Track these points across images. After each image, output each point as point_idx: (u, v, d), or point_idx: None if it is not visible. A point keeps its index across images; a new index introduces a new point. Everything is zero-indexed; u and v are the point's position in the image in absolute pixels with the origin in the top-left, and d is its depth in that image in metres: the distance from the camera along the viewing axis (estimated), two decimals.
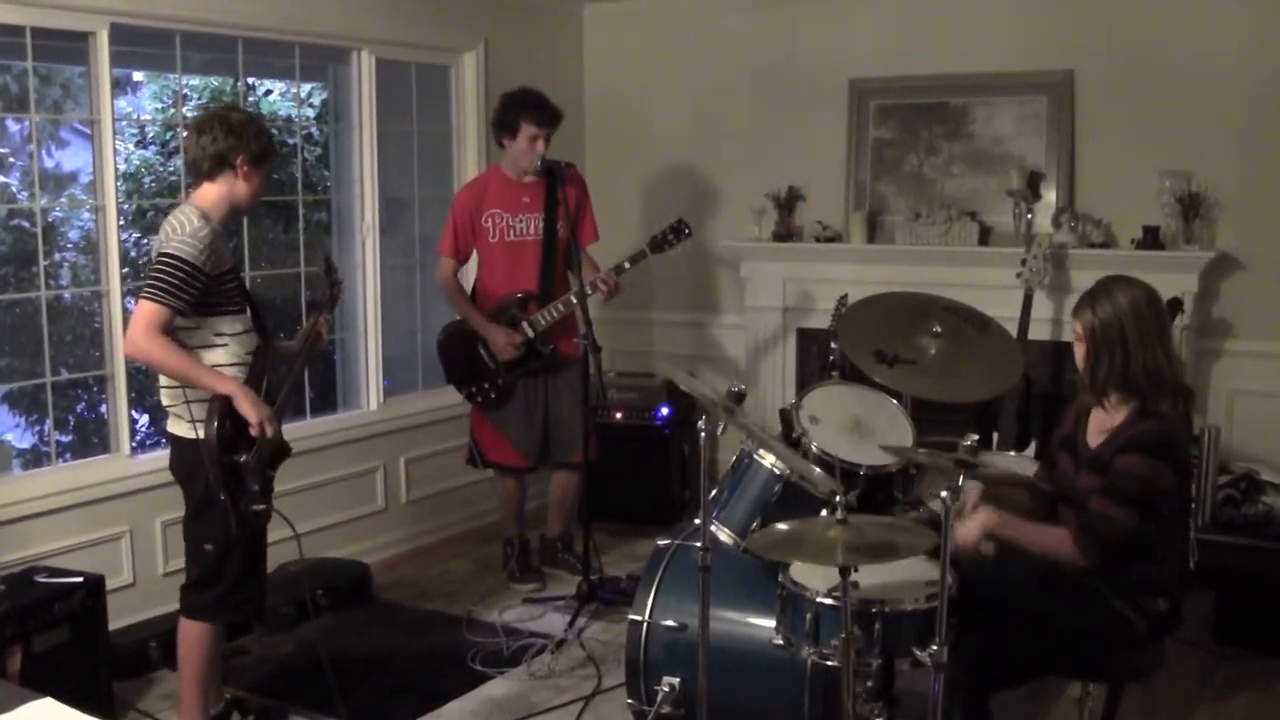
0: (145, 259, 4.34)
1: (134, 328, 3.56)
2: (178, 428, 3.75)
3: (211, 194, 3.74)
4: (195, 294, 3.58)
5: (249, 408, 3.64)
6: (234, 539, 3.75)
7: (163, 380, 3.75)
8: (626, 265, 5.27)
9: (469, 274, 5.56)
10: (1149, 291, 3.32)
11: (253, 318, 3.84)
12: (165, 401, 3.79)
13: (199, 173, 3.76)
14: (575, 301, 5.11)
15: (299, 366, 3.98)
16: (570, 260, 5.24)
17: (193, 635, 3.87)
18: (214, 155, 3.71)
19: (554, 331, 5.33)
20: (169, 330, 3.57)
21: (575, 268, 5.16)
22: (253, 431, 3.65)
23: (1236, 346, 5.61)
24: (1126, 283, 3.33)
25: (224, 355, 3.72)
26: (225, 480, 3.65)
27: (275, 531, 4.27)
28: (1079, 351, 3.37)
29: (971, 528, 3.31)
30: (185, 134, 3.90)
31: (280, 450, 3.84)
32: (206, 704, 3.93)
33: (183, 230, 3.60)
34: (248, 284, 5.47)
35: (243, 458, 3.66)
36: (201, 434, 3.61)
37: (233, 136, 3.70)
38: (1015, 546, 3.31)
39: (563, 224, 5.26)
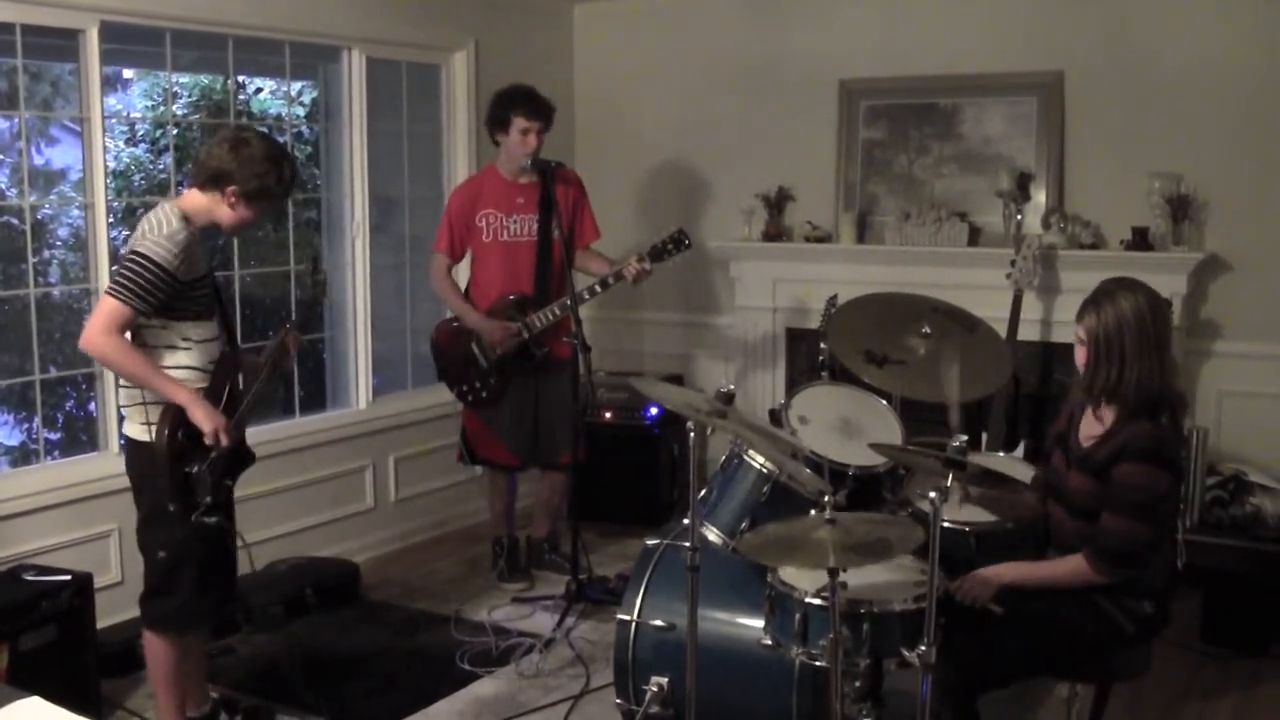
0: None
1: (93, 323, 3.47)
2: (132, 430, 3.64)
3: (197, 202, 3.62)
4: (163, 297, 3.48)
5: (202, 417, 3.53)
6: (186, 548, 3.63)
7: (121, 380, 3.67)
8: (624, 271, 5.23)
9: (461, 274, 5.55)
10: (1152, 297, 3.29)
11: (222, 324, 3.74)
12: (121, 402, 3.70)
13: (194, 177, 3.66)
14: (570, 305, 5.08)
15: (262, 383, 3.80)
16: (568, 261, 5.20)
17: (155, 648, 3.78)
18: (211, 171, 3.60)
19: (548, 333, 5.32)
20: (128, 329, 3.49)
21: (568, 270, 5.14)
22: (207, 441, 3.55)
23: (1225, 348, 5.62)
24: (1130, 288, 3.29)
25: (188, 359, 3.61)
26: (176, 490, 3.54)
27: (262, 530, 4.27)
28: (1080, 354, 3.36)
29: (982, 588, 3.29)
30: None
31: (240, 460, 3.75)
32: (182, 711, 3.87)
33: (159, 230, 3.49)
34: (236, 283, 5.52)
35: (195, 469, 3.55)
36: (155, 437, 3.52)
37: (235, 163, 3.56)
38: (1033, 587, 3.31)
39: (557, 225, 5.25)
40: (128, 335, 3.56)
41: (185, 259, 3.51)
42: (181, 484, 3.56)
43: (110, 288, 3.48)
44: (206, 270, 3.69)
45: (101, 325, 3.45)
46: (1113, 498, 3.22)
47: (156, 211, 3.58)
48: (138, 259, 3.46)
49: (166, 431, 3.52)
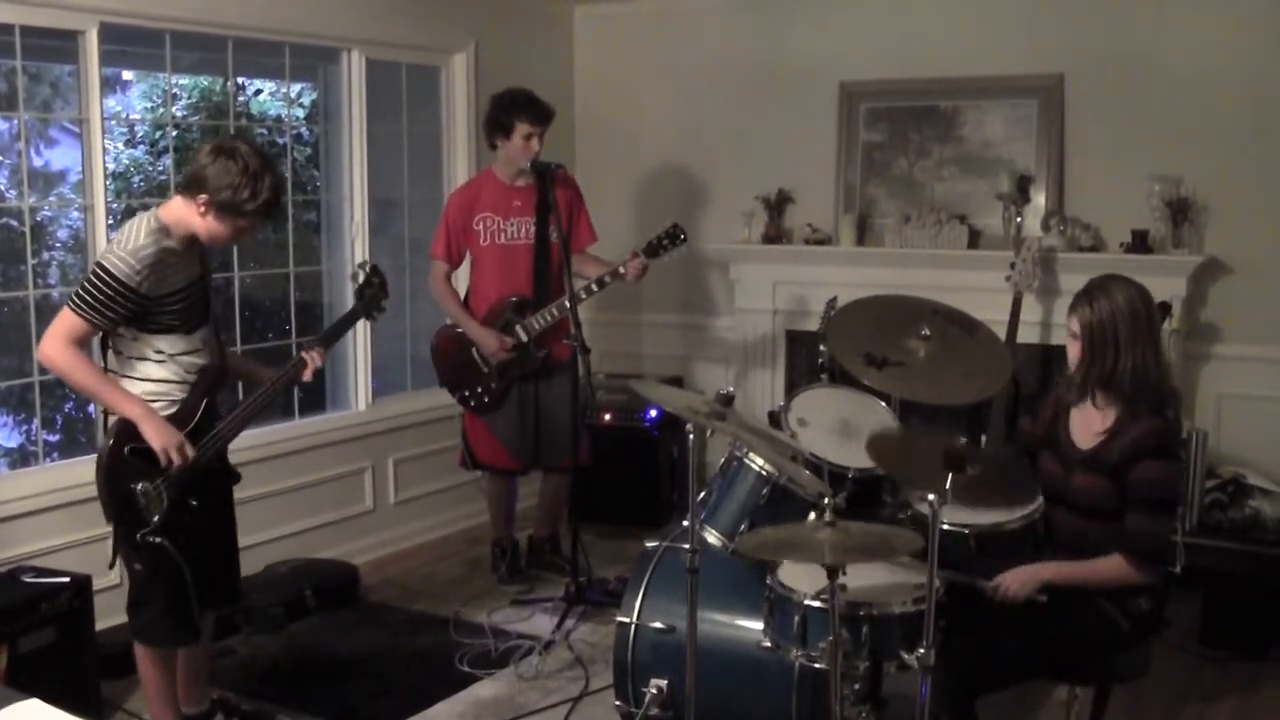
0: None
1: (49, 334, 3.41)
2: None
3: (176, 209, 3.51)
4: (123, 313, 3.41)
5: (152, 432, 3.45)
6: (156, 562, 3.58)
7: None
8: (621, 270, 5.25)
9: (461, 277, 5.54)
10: (1143, 291, 3.36)
11: (213, 336, 3.66)
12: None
13: (180, 180, 3.58)
14: (569, 306, 5.06)
15: (253, 404, 3.72)
16: (567, 263, 5.19)
17: (140, 656, 3.77)
18: (189, 175, 3.50)
19: (548, 335, 5.32)
20: (86, 343, 3.45)
21: (567, 271, 5.14)
22: (161, 460, 3.49)
23: (1224, 350, 5.62)
24: (1123, 282, 3.37)
25: (161, 371, 3.54)
26: (114, 506, 3.49)
27: (262, 531, 4.26)
28: (1073, 349, 3.39)
29: (1025, 582, 3.29)
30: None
31: (218, 478, 3.71)
32: (176, 712, 3.87)
33: (127, 243, 3.40)
34: (236, 284, 5.51)
35: (140, 485, 3.49)
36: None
37: (211, 169, 3.43)
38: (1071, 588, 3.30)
39: (554, 228, 5.25)
40: (96, 342, 3.53)
41: (151, 275, 3.41)
42: (122, 500, 3.50)
43: (70, 299, 3.42)
44: (186, 283, 3.55)
45: (57, 338, 3.40)
46: (1135, 498, 3.25)
47: (137, 219, 3.50)
48: (99, 272, 3.38)
49: (111, 444, 3.47)
